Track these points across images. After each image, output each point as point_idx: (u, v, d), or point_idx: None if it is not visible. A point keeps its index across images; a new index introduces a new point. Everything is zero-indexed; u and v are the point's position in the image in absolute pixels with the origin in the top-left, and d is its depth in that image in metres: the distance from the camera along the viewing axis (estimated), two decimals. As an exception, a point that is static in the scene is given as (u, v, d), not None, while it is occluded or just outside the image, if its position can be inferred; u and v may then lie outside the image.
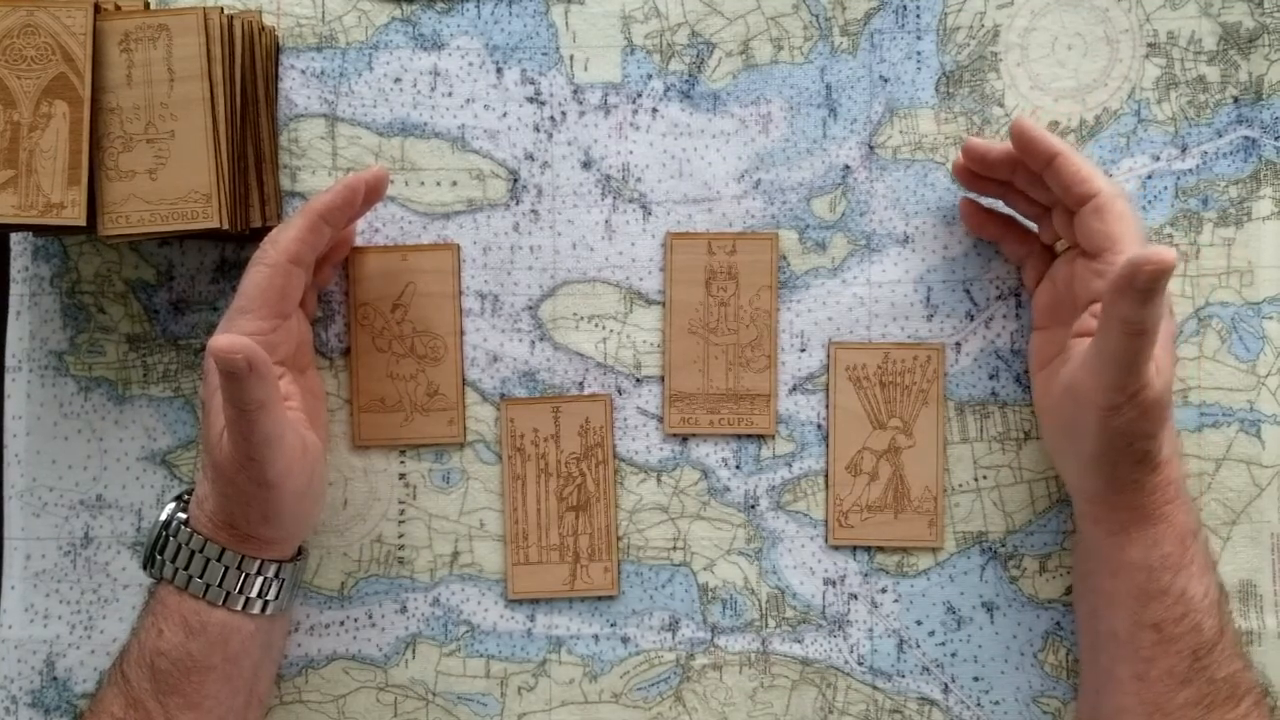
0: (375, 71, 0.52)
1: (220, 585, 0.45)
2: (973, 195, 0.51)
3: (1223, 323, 0.51)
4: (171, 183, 0.46)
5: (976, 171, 0.49)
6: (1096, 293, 0.44)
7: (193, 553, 0.45)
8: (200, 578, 0.45)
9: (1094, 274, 0.44)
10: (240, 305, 0.45)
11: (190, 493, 0.47)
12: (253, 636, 0.46)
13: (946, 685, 0.51)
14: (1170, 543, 0.43)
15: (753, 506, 0.52)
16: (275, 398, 0.42)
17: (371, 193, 0.47)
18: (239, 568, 0.45)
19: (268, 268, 0.45)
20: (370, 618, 0.52)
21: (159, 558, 0.46)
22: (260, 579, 0.45)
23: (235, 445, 0.42)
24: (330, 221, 0.46)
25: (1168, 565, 0.43)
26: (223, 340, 0.40)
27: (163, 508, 0.47)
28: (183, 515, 0.46)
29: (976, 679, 0.51)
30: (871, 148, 0.52)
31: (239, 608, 0.45)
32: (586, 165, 0.52)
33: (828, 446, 0.52)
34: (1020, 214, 0.50)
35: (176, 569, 0.45)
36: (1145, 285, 0.37)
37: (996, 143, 0.47)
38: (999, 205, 0.50)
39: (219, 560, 0.45)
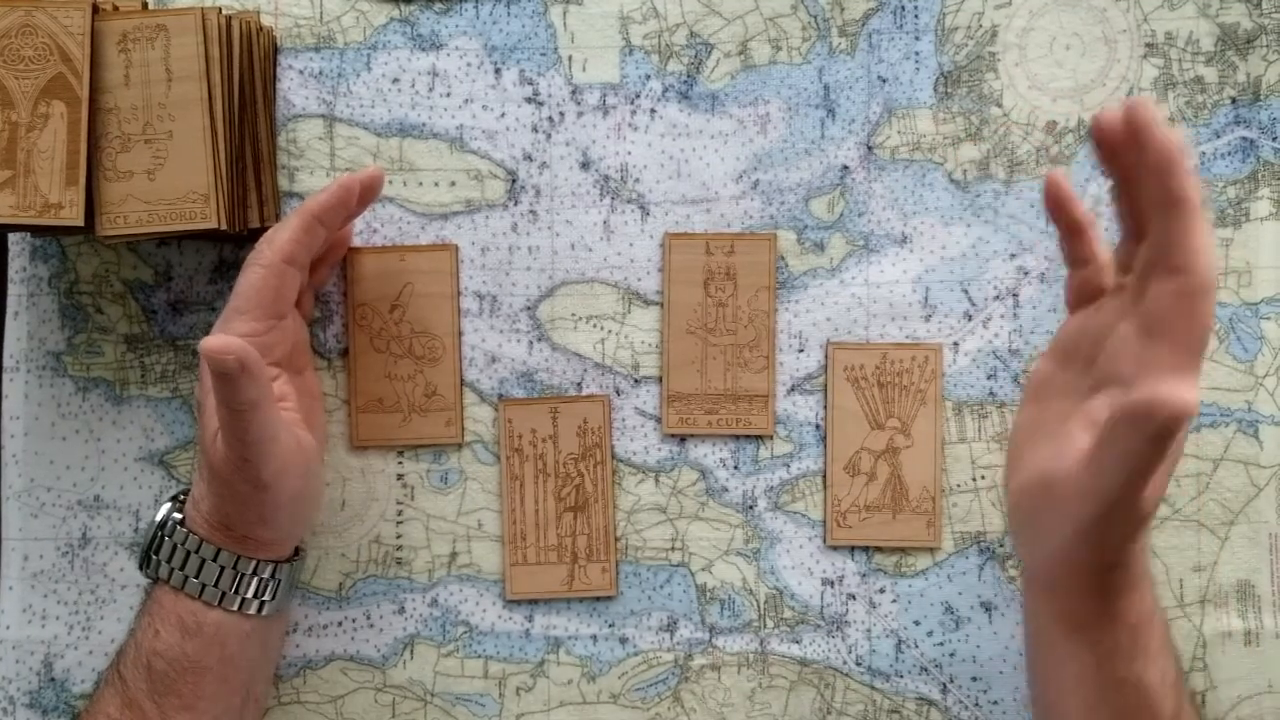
0: (373, 72, 0.52)
1: (216, 585, 0.45)
2: (1060, 174, 0.42)
3: (1221, 323, 0.51)
4: (169, 183, 0.46)
5: (1121, 137, 0.36)
6: (1124, 377, 0.36)
7: (188, 553, 0.45)
8: (196, 578, 0.45)
9: (1131, 358, 0.36)
10: (235, 306, 0.45)
11: (186, 493, 0.47)
12: (249, 637, 0.46)
13: (945, 685, 0.51)
14: (1125, 632, 0.40)
15: (751, 507, 0.52)
16: (268, 398, 0.42)
17: (367, 193, 0.47)
18: (235, 568, 0.45)
19: (262, 268, 0.45)
20: (368, 618, 0.52)
21: (155, 558, 0.46)
22: (256, 579, 0.45)
23: (229, 446, 0.42)
24: (325, 222, 0.46)
25: (1120, 654, 0.40)
26: (214, 341, 0.40)
27: (159, 508, 0.47)
28: (178, 515, 0.46)
29: (975, 679, 0.51)
30: (870, 148, 0.52)
31: (235, 608, 0.45)
32: (585, 166, 0.52)
33: (826, 447, 0.52)
34: (1117, 210, 0.39)
35: (172, 569, 0.45)
36: (1158, 432, 0.33)
37: (1162, 125, 0.35)
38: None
39: (215, 560, 0.45)
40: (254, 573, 0.45)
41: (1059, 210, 0.42)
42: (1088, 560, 0.39)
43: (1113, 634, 0.40)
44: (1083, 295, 0.42)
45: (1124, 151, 0.37)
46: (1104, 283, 0.41)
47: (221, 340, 0.40)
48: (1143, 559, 0.40)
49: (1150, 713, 0.40)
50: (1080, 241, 0.42)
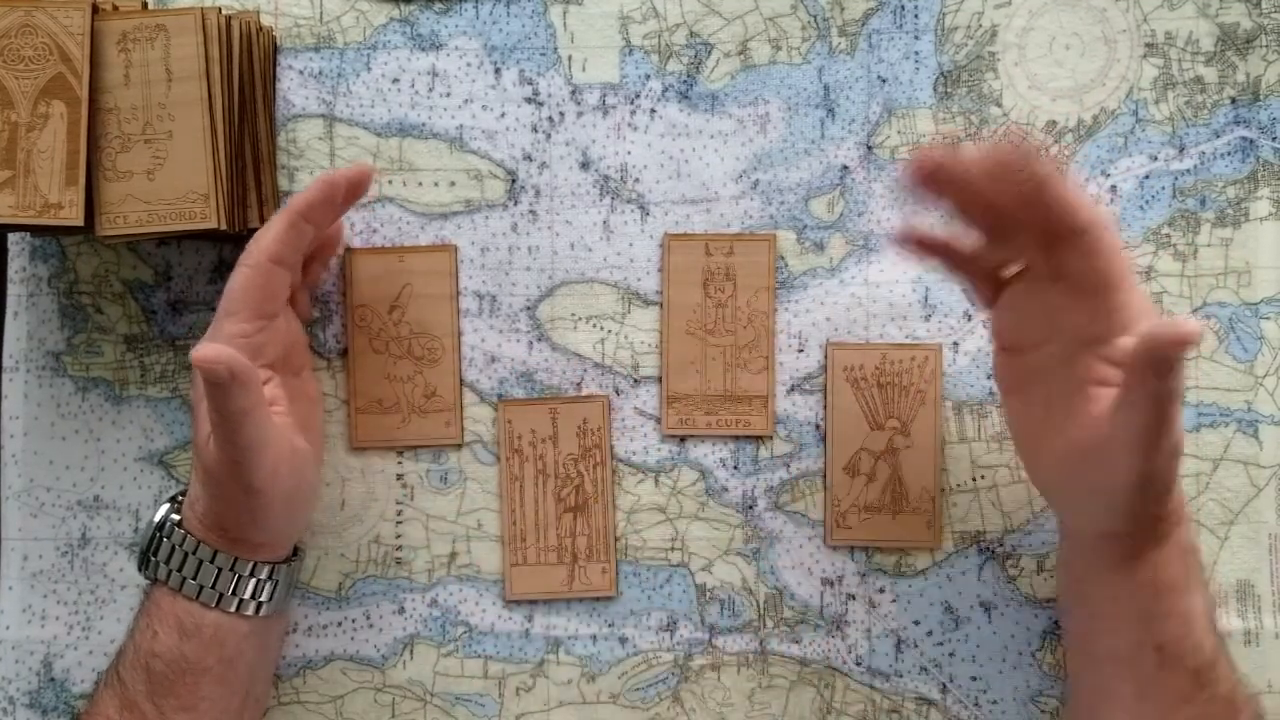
0: (373, 72, 0.52)
1: (213, 587, 0.45)
2: (909, 225, 0.47)
3: (1220, 323, 0.51)
4: (169, 183, 0.46)
5: (940, 180, 0.42)
6: (1100, 332, 0.41)
7: (186, 554, 0.45)
8: (194, 579, 0.45)
9: (1093, 313, 0.41)
10: (225, 308, 0.45)
11: (184, 494, 0.47)
12: (247, 638, 0.46)
13: (944, 685, 0.51)
14: (1176, 563, 0.42)
15: (750, 507, 0.52)
16: (259, 405, 0.42)
17: (354, 189, 0.47)
18: (231, 569, 0.45)
19: (250, 269, 0.45)
20: (368, 618, 0.52)
21: (153, 559, 0.46)
22: (253, 580, 0.45)
23: (221, 450, 0.42)
24: (311, 220, 0.46)
25: (1175, 586, 0.42)
26: (206, 350, 0.40)
27: (157, 509, 0.47)
28: (176, 517, 0.46)
29: (974, 679, 0.51)
30: (869, 148, 0.52)
31: (232, 609, 0.45)
32: (584, 166, 0.52)
33: (825, 447, 0.52)
34: (974, 225, 0.44)
35: (170, 570, 0.45)
36: (1173, 363, 0.36)
37: (965, 156, 0.41)
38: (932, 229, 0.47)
39: (211, 562, 0.45)
40: (251, 574, 0.45)
41: (923, 253, 0.47)
42: (1147, 497, 0.40)
43: (1167, 564, 0.41)
44: (985, 292, 0.46)
45: (946, 180, 0.42)
46: (992, 286, 0.45)
47: (213, 349, 0.40)
48: (1181, 491, 0.42)
49: (1195, 646, 0.41)
50: (956, 267, 0.46)
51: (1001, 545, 0.51)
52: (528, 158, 0.52)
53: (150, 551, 0.46)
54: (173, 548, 0.45)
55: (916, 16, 0.52)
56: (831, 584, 0.52)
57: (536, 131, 0.52)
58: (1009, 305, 0.45)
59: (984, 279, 0.46)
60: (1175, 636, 0.42)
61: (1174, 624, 0.42)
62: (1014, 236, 0.43)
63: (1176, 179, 0.51)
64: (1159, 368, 0.36)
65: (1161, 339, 0.35)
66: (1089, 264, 0.40)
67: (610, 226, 0.52)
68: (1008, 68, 0.52)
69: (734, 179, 0.52)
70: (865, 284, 0.52)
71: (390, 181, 0.52)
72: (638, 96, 0.52)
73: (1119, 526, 0.42)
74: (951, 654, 0.51)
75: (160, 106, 0.45)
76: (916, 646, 0.51)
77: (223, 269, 0.52)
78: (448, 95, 0.52)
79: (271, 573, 0.46)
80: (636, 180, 0.52)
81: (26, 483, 0.52)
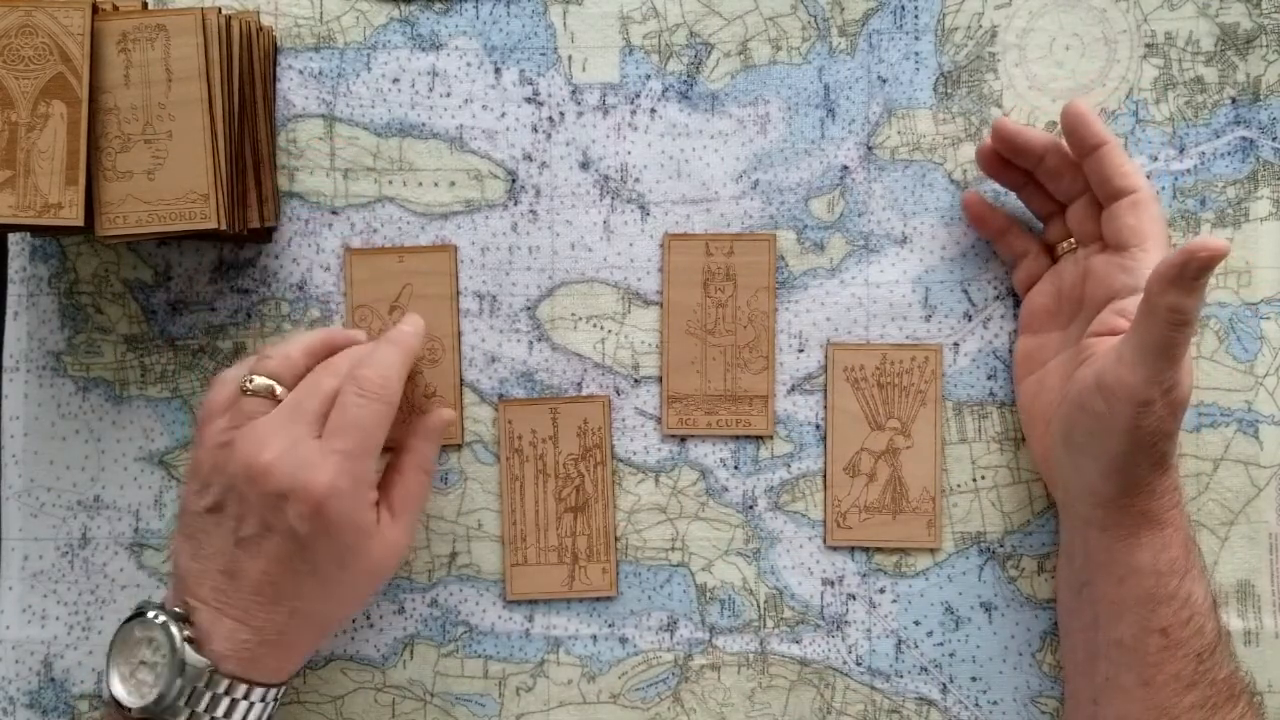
0: (373, 72, 0.52)
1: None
2: (977, 192, 0.51)
3: (1220, 323, 0.51)
4: (169, 183, 0.46)
5: (1003, 155, 0.49)
6: (1119, 288, 0.45)
7: (214, 695, 0.42)
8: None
9: (1119, 269, 0.45)
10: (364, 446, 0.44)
11: (171, 612, 0.42)
12: None
13: (945, 685, 0.51)
14: (1177, 546, 0.43)
15: (751, 507, 0.52)
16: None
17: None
18: (246, 698, 0.43)
19: (388, 406, 0.45)
20: (368, 618, 0.52)
21: (179, 704, 0.41)
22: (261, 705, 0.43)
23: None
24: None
25: (1175, 569, 0.43)
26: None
27: (175, 656, 0.41)
28: (204, 659, 0.41)
29: (975, 679, 0.51)
30: (870, 148, 0.52)
31: None
32: (585, 166, 0.52)
33: (826, 447, 0.52)
34: (1031, 209, 0.50)
35: (192, 711, 0.41)
36: (1197, 274, 0.38)
37: (1029, 128, 0.48)
38: (997, 204, 0.50)
39: (225, 693, 0.42)
40: (245, 697, 0.43)
41: (983, 222, 0.51)
42: (1144, 450, 0.42)
43: (1169, 546, 0.43)
44: (1031, 279, 0.50)
45: (1016, 153, 0.48)
46: (1042, 264, 0.50)
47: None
48: (1178, 474, 0.45)
49: (1197, 630, 0.43)
50: (1011, 238, 0.50)
51: (1002, 546, 0.51)
52: (528, 158, 0.52)
53: (179, 698, 0.41)
54: (213, 696, 0.41)
55: (916, 17, 0.52)
56: (831, 584, 0.52)
57: (536, 131, 0.52)
58: (1053, 277, 0.49)
59: (1033, 258, 0.50)
60: (1178, 620, 0.43)
61: (1176, 607, 0.43)
62: (1069, 203, 0.48)
63: (1176, 179, 0.51)
64: (1185, 274, 0.38)
65: (1193, 247, 0.38)
66: (1127, 220, 0.45)
67: (610, 226, 0.52)
68: (1008, 68, 0.52)
69: (734, 179, 0.52)
70: (865, 284, 0.52)
71: (390, 181, 0.52)
72: (638, 96, 0.52)
73: (1115, 489, 0.43)
74: (952, 654, 0.51)
75: (160, 106, 0.45)
76: (916, 647, 0.51)
77: (222, 269, 0.52)
78: (448, 95, 0.52)
79: (264, 695, 0.44)
80: (636, 180, 0.52)
81: (26, 483, 0.52)
